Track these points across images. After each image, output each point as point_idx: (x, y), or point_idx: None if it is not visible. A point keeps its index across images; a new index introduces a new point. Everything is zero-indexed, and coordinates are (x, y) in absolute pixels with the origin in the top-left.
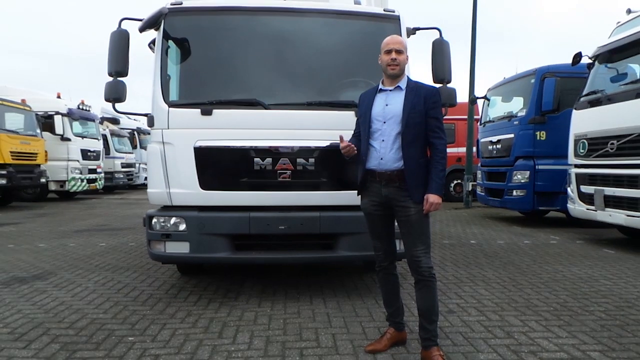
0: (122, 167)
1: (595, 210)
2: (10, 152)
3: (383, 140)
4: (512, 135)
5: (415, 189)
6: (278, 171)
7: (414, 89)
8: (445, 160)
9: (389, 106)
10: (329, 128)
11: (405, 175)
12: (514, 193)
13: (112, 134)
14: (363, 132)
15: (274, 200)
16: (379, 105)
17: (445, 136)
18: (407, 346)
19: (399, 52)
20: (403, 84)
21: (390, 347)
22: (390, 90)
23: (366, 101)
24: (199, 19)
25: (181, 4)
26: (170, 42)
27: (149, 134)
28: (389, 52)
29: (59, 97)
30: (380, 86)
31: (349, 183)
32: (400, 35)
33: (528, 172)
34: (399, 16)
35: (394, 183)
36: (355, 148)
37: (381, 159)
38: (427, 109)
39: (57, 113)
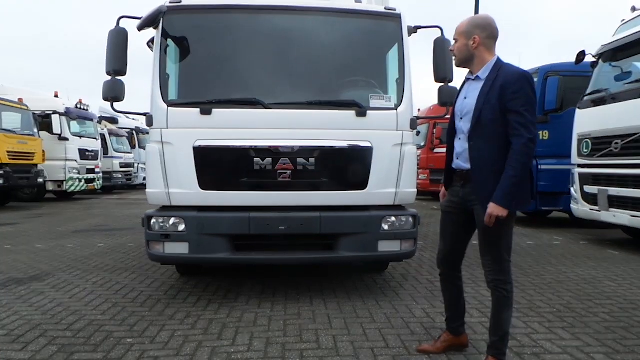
0: (121, 167)
1: (599, 211)
2: (7, 151)
3: (460, 139)
4: None
5: (483, 194)
6: (278, 171)
7: (493, 79)
8: (522, 163)
9: (467, 100)
10: (329, 128)
11: (472, 177)
12: None
13: (111, 133)
14: (451, 128)
15: (274, 200)
16: (460, 98)
17: (531, 133)
18: (407, 347)
19: (455, 40)
20: (483, 73)
21: (445, 351)
22: (473, 80)
23: (457, 94)
24: (198, 17)
25: (180, 2)
26: (169, 41)
27: (147, 133)
28: None
29: (56, 96)
30: (467, 75)
31: (350, 183)
32: (401, 34)
33: None
34: (400, 14)
35: (469, 184)
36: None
37: (457, 157)
38: (505, 101)
39: (55, 112)
